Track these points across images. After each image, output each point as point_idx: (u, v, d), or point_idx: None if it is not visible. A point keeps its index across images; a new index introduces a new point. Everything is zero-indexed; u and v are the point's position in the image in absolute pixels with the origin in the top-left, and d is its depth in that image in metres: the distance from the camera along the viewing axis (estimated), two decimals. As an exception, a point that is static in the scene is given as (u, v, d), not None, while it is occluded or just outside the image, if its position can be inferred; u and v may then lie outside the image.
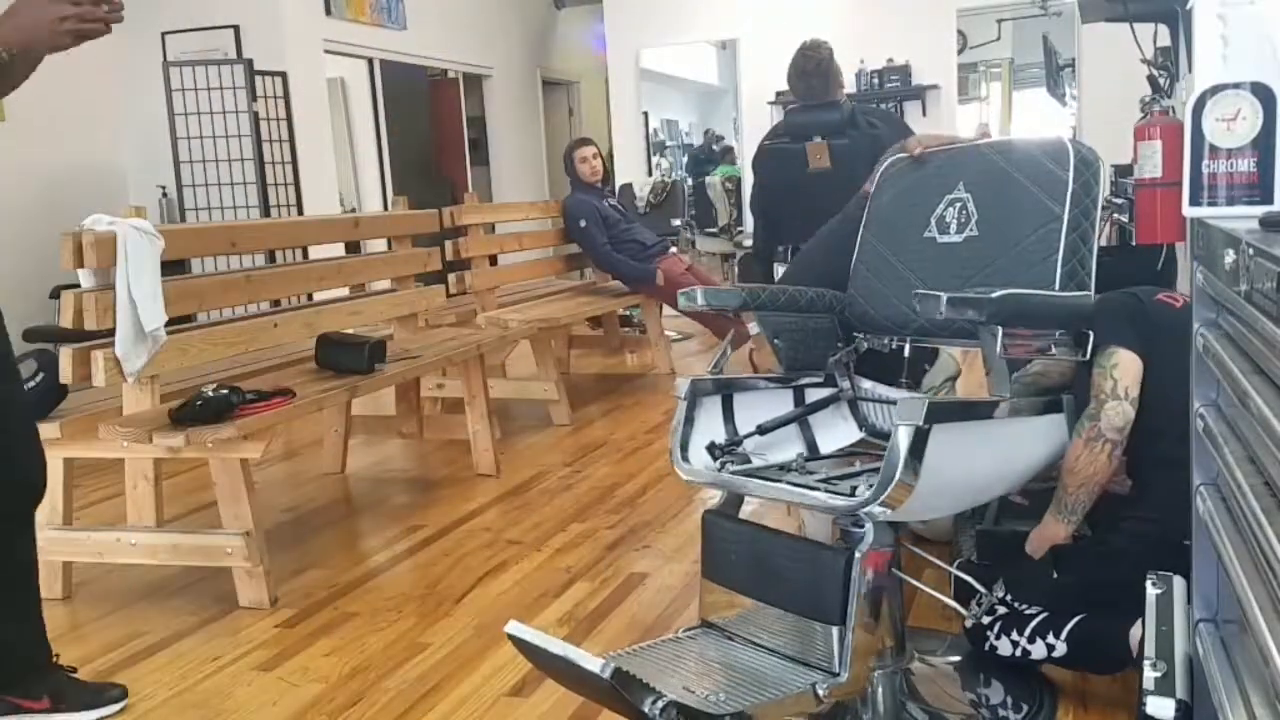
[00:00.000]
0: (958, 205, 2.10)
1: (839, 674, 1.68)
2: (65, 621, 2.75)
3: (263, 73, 6.50)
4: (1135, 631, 1.88)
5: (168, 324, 2.82)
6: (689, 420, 2.00)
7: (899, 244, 2.18)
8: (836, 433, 2.17)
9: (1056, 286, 1.94)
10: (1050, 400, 1.95)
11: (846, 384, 2.21)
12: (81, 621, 2.75)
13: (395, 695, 2.22)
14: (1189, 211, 1.62)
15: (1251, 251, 1.18)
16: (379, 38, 7.71)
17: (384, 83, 8.00)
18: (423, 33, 8.15)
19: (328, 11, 7.11)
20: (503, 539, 3.19)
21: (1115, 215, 4.56)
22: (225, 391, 2.69)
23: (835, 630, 1.70)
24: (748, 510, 2.19)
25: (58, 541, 2.85)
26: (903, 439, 1.64)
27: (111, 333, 2.73)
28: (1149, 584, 1.84)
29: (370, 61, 7.87)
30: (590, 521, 3.30)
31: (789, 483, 1.86)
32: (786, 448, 2.07)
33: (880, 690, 1.92)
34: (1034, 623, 1.97)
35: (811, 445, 2.12)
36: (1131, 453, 1.96)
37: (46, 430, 2.75)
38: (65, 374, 2.73)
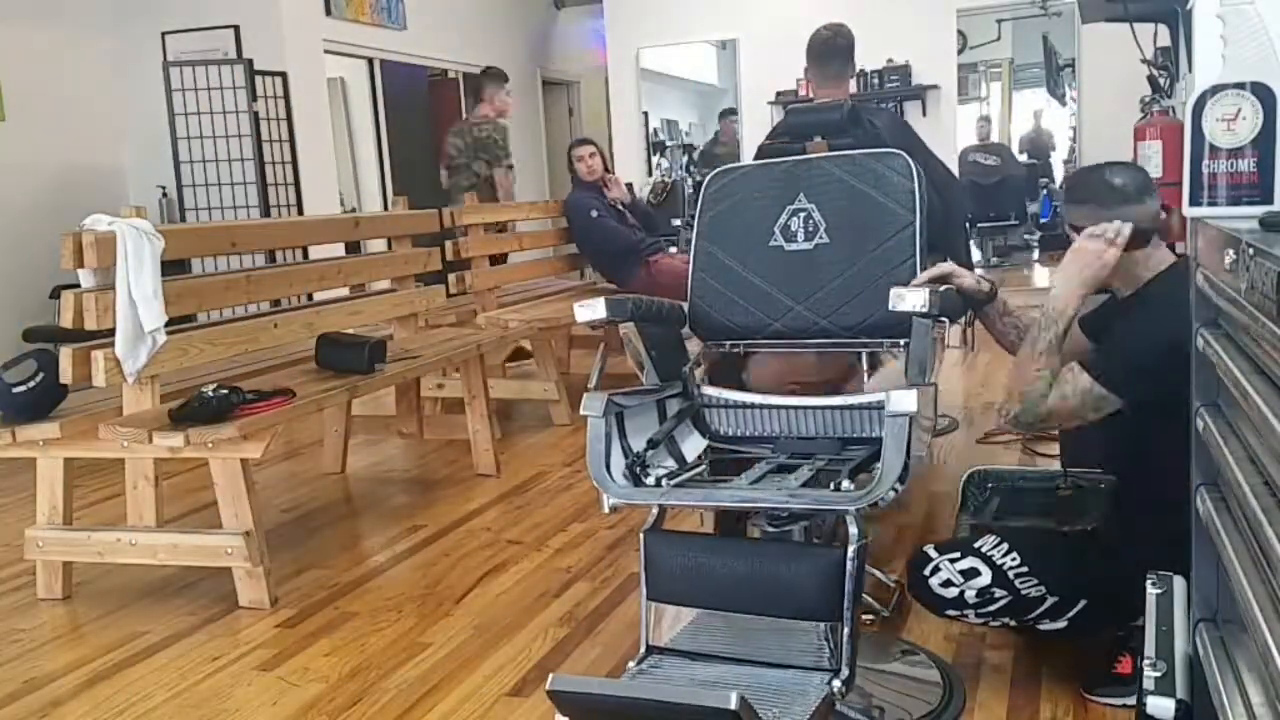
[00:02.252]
0: (802, 215, 2.18)
1: (842, 671, 1.68)
2: (65, 621, 2.76)
3: (263, 73, 6.50)
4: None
5: (168, 324, 2.82)
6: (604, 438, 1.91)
7: (744, 253, 2.23)
8: (693, 442, 2.18)
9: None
10: None
11: (695, 392, 2.20)
12: (81, 621, 2.75)
13: (395, 695, 2.22)
14: (1189, 211, 1.62)
15: (1251, 251, 1.17)
16: (379, 38, 7.72)
17: (384, 83, 8.00)
18: (423, 33, 8.16)
19: (328, 11, 7.11)
20: (503, 539, 3.19)
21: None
22: (225, 391, 2.69)
23: (841, 628, 1.70)
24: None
25: (58, 541, 2.85)
26: (898, 432, 1.66)
27: (111, 333, 2.73)
28: (1149, 584, 1.84)
29: (370, 61, 7.87)
30: (590, 521, 3.30)
31: (778, 489, 1.86)
32: (664, 460, 2.06)
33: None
34: (1036, 612, 1.97)
35: (679, 457, 2.11)
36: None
37: (46, 430, 2.76)
38: (65, 374, 2.73)
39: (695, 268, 2.28)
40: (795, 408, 2.15)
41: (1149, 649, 1.71)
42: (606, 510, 1.87)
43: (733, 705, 1.38)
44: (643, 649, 1.82)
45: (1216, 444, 1.41)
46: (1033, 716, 1.97)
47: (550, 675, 1.56)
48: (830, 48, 3.59)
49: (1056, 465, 2.98)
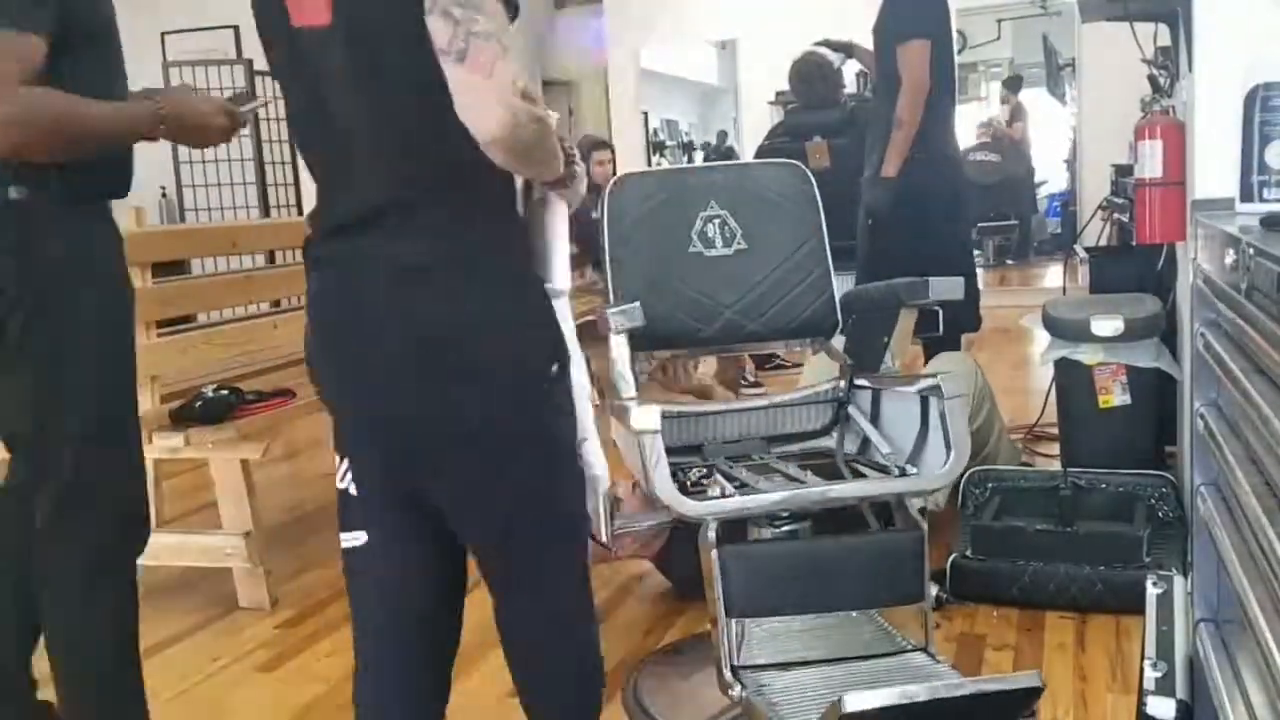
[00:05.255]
0: (717, 221, 2.18)
1: (929, 648, 1.71)
2: (65, 622, 2.75)
3: (263, 73, 6.47)
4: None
5: (168, 324, 2.82)
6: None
7: (664, 260, 2.18)
8: None
9: (834, 288, 2.16)
10: None
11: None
12: (82, 622, 2.74)
13: (395, 695, 2.21)
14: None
15: (1252, 251, 1.18)
16: (379, 38, 7.71)
17: (383, 83, 7.99)
18: (423, 33, 8.15)
19: (328, 12, 7.11)
20: (503, 539, 3.18)
21: (1115, 215, 4.57)
22: (225, 391, 2.69)
23: (926, 605, 1.75)
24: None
25: (58, 542, 2.85)
26: (958, 412, 1.74)
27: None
28: (1149, 584, 1.85)
29: (370, 61, 7.87)
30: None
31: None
32: None
33: None
34: None
35: None
36: None
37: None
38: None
39: (615, 275, 2.15)
40: (718, 413, 2.17)
41: (1149, 649, 1.71)
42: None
43: (1039, 682, 1.49)
44: (727, 671, 1.73)
45: (1216, 444, 1.41)
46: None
47: (841, 699, 1.47)
48: (806, 75, 3.63)
49: (1056, 465, 2.99)
